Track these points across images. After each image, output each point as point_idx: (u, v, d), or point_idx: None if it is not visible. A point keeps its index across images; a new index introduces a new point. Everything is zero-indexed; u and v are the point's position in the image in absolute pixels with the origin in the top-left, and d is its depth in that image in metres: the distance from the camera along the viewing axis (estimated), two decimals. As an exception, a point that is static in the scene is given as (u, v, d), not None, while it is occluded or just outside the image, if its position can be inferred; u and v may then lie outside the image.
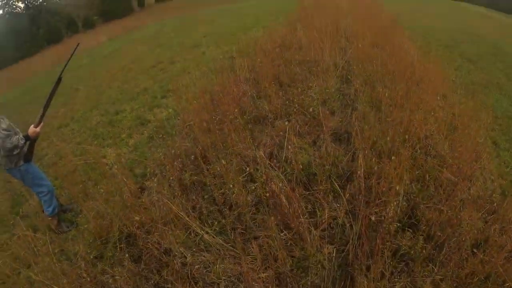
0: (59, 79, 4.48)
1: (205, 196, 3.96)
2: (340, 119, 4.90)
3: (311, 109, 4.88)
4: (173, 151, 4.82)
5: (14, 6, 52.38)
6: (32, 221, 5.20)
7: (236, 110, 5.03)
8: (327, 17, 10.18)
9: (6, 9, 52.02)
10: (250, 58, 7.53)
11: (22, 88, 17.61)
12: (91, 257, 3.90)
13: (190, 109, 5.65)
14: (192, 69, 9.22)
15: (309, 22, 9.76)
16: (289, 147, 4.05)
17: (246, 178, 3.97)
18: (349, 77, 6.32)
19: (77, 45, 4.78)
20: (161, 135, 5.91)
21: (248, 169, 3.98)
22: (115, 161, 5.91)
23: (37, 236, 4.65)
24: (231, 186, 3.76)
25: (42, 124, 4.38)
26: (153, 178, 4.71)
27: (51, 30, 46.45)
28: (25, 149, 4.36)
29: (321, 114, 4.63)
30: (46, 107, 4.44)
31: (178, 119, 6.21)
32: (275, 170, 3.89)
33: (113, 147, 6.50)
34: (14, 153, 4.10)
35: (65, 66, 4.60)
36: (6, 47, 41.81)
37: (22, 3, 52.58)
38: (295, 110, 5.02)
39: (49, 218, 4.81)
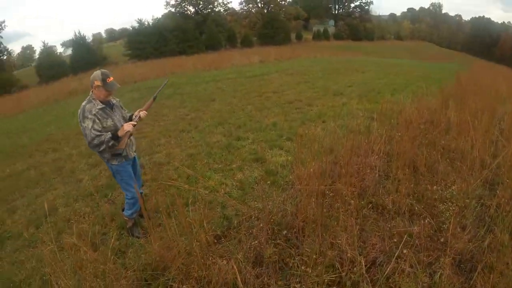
0: (154, 98, 4.83)
1: (279, 283, 3.32)
2: (469, 239, 3.70)
3: (442, 218, 3.97)
4: (269, 207, 4.37)
5: (186, 9, 58.23)
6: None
7: (354, 190, 4.44)
8: (484, 99, 9.01)
9: (178, 8, 58.11)
10: (390, 126, 6.81)
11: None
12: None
13: (307, 164, 5.04)
14: (327, 118, 8.84)
15: (463, 100, 8.68)
16: (398, 262, 3.24)
17: (333, 279, 3.22)
18: (495, 184, 5.03)
19: (167, 81, 5.44)
20: (268, 182, 5.57)
21: (340, 270, 3.25)
22: (214, 189, 5.73)
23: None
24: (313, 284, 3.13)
25: (135, 123, 4.44)
26: (234, 232, 4.37)
27: (213, 38, 50.17)
28: (116, 149, 4.39)
29: (450, 230, 3.61)
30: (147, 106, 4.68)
31: (292, 172, 5.75)
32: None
33: (220, 174, 6.32)
34: (100, 149, 4.16)
35: (159, 90, 4.97)
36: (171, 41, 46.43)
37: (193, 8, 58.26)
38: (421, 211, 4.19)
39: (126, 218, 4.92)
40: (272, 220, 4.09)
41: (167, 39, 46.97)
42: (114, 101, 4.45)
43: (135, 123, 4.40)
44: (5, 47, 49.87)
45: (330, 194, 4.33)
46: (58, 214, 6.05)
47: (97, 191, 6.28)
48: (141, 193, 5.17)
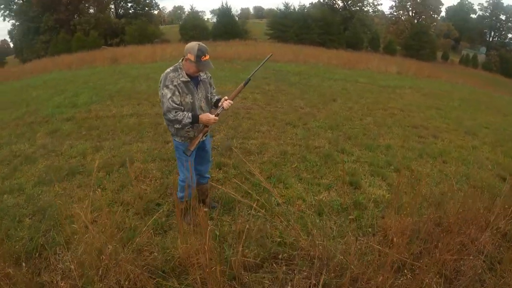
0: (246, 83, 4.11)
1: None
2: None
3: None
4: (330, 253, 3.51)
5: (334, 2, 57.39)
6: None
7: (440, 279, 3.19)
8: None
9: (326, 0, 57.33)
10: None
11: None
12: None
13: (402, 215, 3.92)
14: (449, 158, 7.32)
15: None
16: None
17: None
18: None
19: (270, 55, 4.61)
20: (350, 217, 4.57)
21: None
22: (288, 201, 5.07)
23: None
24: None
25: (219, 113, 3.97)
26: (275, 263, 3.60)
27: (356, 36, 48.93)
28: (191, 132, 3.97)
29: None
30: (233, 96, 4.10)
31: (382, 216, 4.69)
32: None
33: (304, 185, 5.56)
34: (175, 126, 3.82)
35: (255, 71, 4.34)
36: (313, 30, 46.09)
37: (341, 2, 57.08)
38: None
39: (177, 199, 4.36)
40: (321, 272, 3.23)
41: (310, 27, 46.64)
42: (204, 76, 4.03)
43: (217, 117, 3.89)
44: (156, 3, 55.65)
45: (408, 275, 3.12)
46: (132, 168, 5.96)
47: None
48: (206, 179, 4.75)
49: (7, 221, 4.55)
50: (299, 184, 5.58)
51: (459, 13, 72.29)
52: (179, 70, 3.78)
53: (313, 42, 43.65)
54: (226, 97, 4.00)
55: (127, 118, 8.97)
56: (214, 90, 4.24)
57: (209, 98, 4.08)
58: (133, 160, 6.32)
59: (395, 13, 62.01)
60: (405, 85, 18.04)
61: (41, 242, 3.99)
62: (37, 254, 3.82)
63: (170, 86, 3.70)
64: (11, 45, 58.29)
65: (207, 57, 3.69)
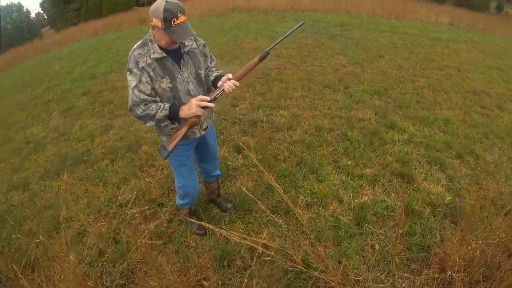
0: (261, 59, 2.72)
1: None
2: None
3: None
4: None
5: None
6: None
7: None
8: None
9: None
10: None
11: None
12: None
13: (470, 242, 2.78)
14: None
15: None
16: None
17: None
18: None
19: (301, 24, 2.78)
20: (401, 231, 3.38)
21: None
22: (318, 202, 3.90)
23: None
24: None
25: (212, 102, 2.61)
26: None
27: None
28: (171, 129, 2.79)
29: None
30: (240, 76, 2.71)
31: (440, 241, 3.25)
32: None
33: (341, 176, 4.35)
34: (148, 124, 2.60)
35: (278, 42, 2.76)
36: None
37: None
38: None
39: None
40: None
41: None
42: (191, 45, 2.73)
43: (211, 103, 2.56)
44: None
45: None
46: (139, 153, 5.16)
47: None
48: (217, 176, 3.68)
49: (10, 224, 4.14)
50: (335, 175, 4.33)
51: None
52: (149, 43, 2.53)
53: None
54: (230, 75, 2.65)
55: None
56: (213, 63, 2.96)
57: (202, 76, 2.80)
58: (141, 143, 5.44)
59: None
60: (459, 38, 15.81)
61: (35, 255, 3.46)
62: (30, 270, 3.30)
63: (135, 70, 2.50)
64: (46, 16, 57.79)
65: (182, 18, 2.38)
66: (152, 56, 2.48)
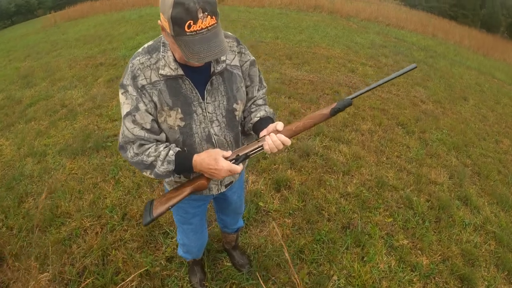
0: (346, 105, 1.64)
1: None
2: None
3: None
4: None
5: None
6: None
7: None
8: None
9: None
10: None
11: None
12: None
13: None
14: None
15: None
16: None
17: None
18: None
19: (412, 67, 1.63)
20: None
21: None
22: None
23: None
24: None
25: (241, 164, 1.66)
26: None
27: (492, 17, 42.86)
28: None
29: None
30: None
31: None
32: None
33: (392, 260, 3.35)
34: (144, 173, 1.69)
35: (371, 88, 1.64)
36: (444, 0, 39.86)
37: None
38: None
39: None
40: None
41: (443, -5, 40.54)
42: (228, 62, 1.69)
43: (237, 167, 1.61)
44: None
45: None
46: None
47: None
48: (238, 228, 2.77)
49: (10, 199, 3.85)
50: (384, 257, 3.35)
51: None
52: (161, 48, 1.55)
53: (443, 13, 38.08)
54: (280, 126, 1.62)
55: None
56: (261, 92, 1.92)
57: (238, 112, 1.76)
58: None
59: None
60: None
61: (19, 247, 3.11)
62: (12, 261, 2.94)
63: (130, 89, 1.57)
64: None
65: (207, 21, 1.30)
66: (161, 71, 1.52)
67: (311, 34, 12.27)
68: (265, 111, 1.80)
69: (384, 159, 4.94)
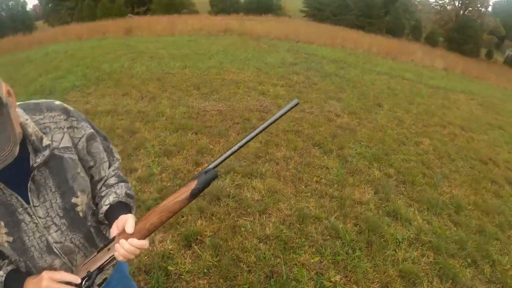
0: (195, 193, 1.20)
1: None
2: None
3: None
4: None
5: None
6: None
7: None
8: None
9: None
10: None
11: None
12: None
13: None
14: None
15: None
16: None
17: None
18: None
19: (294, 104, 1.21)
20: None
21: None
22: None
23: None
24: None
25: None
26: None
27: (397, 22, 45.40)
28: None
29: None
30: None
31: None
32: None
33: None
34: None
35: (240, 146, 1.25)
36: (352, 11, 42.09)
37: None
38: None
39: None
40: None
41: (349, 8, 42.81)
42: (53, 146, 1.23)
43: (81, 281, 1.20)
44: None
45: None
46: None
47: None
48: None
49: None
50: None
51: (507, 9, 66.09)
52: None
53: (351, 24, 40.04)
54: (129, 227, 1.16)
55: (99, 116, 6.41)
56: (113, 167, 1.51)
57: (82, 207, 1.34)
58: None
59: (441, 2, 56.01)
60: (456, 87, 14.70)
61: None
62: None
63: None
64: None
65: None
66: None
67: (221, 59, 11.93)
68: (116, 193, 1.39)
69: (303, 187, 4.53)
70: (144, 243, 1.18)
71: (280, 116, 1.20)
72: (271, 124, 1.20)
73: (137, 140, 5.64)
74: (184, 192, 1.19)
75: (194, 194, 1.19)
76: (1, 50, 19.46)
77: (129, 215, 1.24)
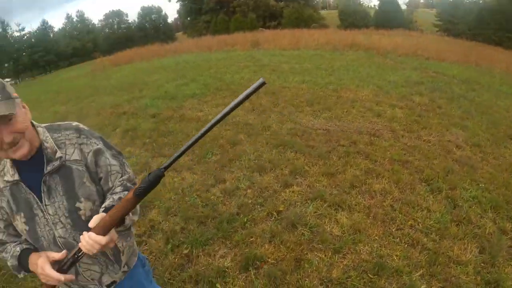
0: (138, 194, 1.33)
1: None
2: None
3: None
4: None
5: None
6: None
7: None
8: None
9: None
10: None
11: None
12: None
13: None
14: None
15: None
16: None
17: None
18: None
19: (261, 84, 1.09)
20: None
21: None
22: None
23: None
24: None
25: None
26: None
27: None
28: None
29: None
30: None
31: None
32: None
33: None
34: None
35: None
36: (489, 25, 37.00)
37: None
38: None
39: None
40: None
41: (486, 22, 37.72)
42: (64, 158, 1.56)
43: (64, 276, 1.46)
44: None
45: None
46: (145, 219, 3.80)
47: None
48: None
49: None
50: None
51: None
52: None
53: (488, 40, 35.80)
54: (93, 220, 1.38)
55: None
56: (121, 180, 1.68)
57: (85, 211, 1.60)
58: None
59: None
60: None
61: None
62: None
63: None
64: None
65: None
66: (4, 178, 1.52)
67: (341, 75, 11.52)
68: (113, 198, 1.56)
69: (393, 230, 3.95)
70: (100, 238, 1.33)
71: (241, 102, 1.14)
72: (231, 111, 1.15)
73: (235, 152, 5.71)
74: (131, 191, 1.32)
75: (137, 194, 1.30)
76: (141, 57, 21.73)
77: (101, 214, 1.40)
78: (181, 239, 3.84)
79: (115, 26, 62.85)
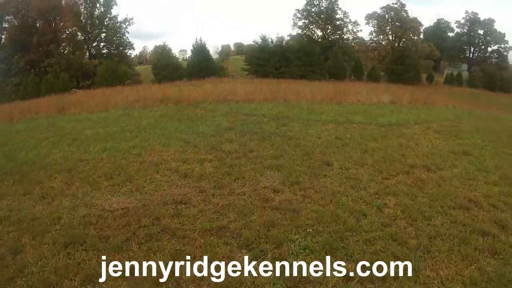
0: None
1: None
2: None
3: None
4: None
5: (313, 32, 53.99)
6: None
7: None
8: None
9: (305, 31, 53.59)
10: None
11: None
12: None
13: None
14: None
15: None
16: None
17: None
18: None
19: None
20: None
21: None
22: None
23: None
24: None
25: None
26: None
27: (338, 66, 46.13)
28: None
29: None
30: None
31: None
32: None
33: None
34: None
35: None
36: (293, 63, 42.53)
37: (320, 32, 54.47)
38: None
39: None
40: None
41: (289, 60, 42.96)
42: None
43: None
44: (130, 42, 50.46)
45: None
46: None
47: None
48: None
49: None
50: None
51: (436, 33, 69.19)
52: None
53: (293, 76, 40.11)
54: None
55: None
56: None
57: None
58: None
59: (375, 39, 57.68)
60: (408, 120, 13.47)
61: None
62: None
63: None
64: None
65: None
66: None
67: (148, 135, 10.14)
68: None
69: None
70: None
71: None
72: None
73: (17, 265, 3.93)
74: None
75: None
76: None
77: None
78: None
79: None
